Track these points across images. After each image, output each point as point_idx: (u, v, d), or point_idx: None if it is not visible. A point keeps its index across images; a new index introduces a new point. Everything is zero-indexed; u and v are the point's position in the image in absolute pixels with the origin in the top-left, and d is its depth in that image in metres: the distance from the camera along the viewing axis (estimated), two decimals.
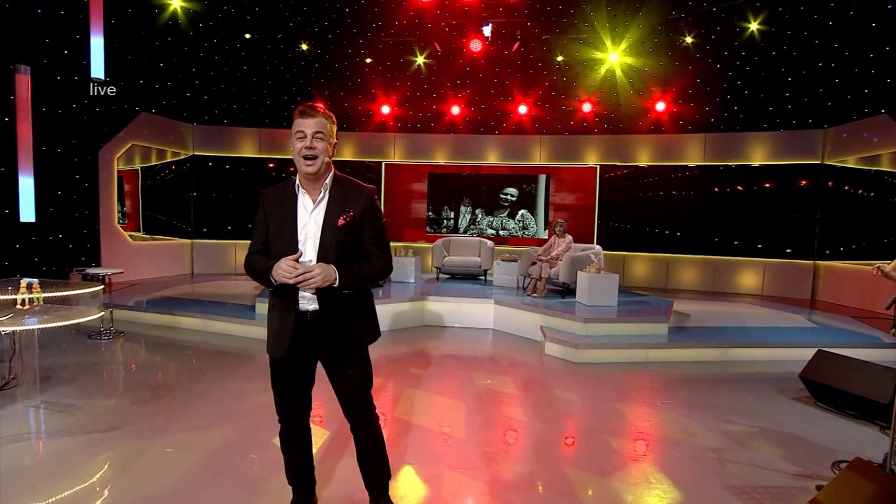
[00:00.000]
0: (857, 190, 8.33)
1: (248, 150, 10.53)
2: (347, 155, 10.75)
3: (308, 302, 2.05)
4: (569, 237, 7.14)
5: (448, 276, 8.72)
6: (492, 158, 10.68)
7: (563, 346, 5.20)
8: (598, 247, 7.31)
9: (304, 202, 2.07)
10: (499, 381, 4.64)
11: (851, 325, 6.52)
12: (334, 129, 2.07)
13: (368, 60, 10.87)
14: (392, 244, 7.56)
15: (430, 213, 10.78)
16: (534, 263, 7.31)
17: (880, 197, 7.88)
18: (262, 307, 6.10)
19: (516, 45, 10.11)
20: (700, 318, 6.65)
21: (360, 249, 2.09)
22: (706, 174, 9.66)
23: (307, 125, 1.99)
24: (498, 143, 10.69)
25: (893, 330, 3.57)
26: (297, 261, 1.97)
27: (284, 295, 2.05)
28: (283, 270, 1.94)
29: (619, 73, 10.22)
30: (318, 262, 2.00)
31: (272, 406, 2.21)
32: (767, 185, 9.23)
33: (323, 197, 2.07)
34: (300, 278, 1.92)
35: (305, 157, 1.99)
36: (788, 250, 9.11)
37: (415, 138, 10.87)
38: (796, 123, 9.03)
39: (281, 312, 2.08)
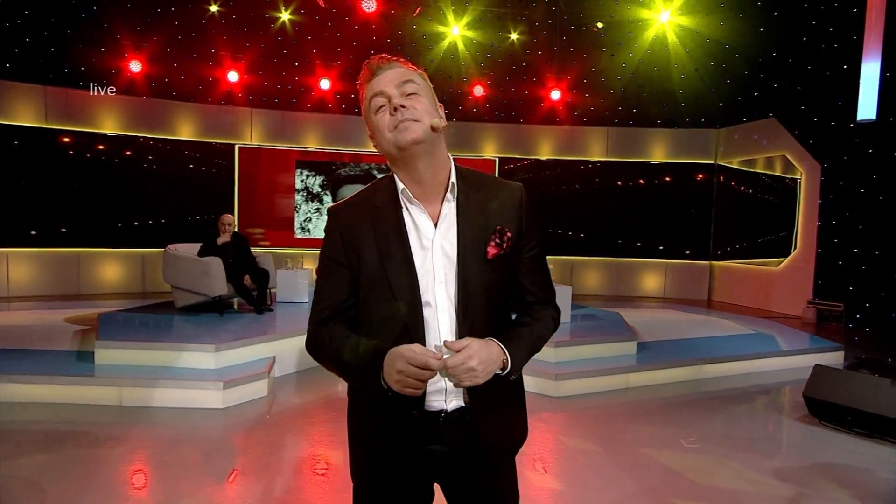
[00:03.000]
0: (745, 190, 9.42)
1: (25, 117, 8.00)
2: (184, 133, 8.89)
3: (444, 396, 1.26)
4: None
5: None
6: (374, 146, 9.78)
7: (540, 379, 4.70)
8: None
9: (416, 220, 1.26)
10: None
11: (772, 328, 7.22)
12: (429, 82, 1.31)
13: (213, 8, 9.10)
14: (254, 251, 6.44)
15: (300, 212, 9.46)
16: None
17: (764, 197, 9.01)
18: (108, 355, 4.49)
19: (418, 11, 9.35)
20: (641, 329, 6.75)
21: (509, 289, 1.33)
22: (608, 170, 10.09)
23: (384, 82, 1.23)
24: None
25: None
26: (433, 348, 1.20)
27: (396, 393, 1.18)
28: (410, 376, 1.09)
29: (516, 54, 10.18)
30: (459, 326, 1.23)
31: None
32: (667, 184, 9.98)
33: (448, 209, 1.27)
34: (453, 375, 1.10)
35: (399, 124, 1.19)
36: (687, 251, 9.99)
37: (278, 116, 9.45)
38: (690, 122, 9.91)
39: (390, 415, 1.25)
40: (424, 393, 1.20)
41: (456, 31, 9.93)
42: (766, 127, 8.80)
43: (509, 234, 1.27)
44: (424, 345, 1.22)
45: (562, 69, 10.27)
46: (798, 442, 3.92)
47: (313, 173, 9.48)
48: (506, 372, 1.20)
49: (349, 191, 9.57)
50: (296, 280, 6.69)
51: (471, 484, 1.35)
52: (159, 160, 8.72)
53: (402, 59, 1.28)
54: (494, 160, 10.11)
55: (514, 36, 10.13)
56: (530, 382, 4.75)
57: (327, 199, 9.53)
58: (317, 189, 9.50)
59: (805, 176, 8.25)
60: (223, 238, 5.91)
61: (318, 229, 9.51)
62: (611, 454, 3.65)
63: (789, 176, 8.57)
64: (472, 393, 1.25)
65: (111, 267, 8.67)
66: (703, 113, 9.82)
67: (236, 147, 9.18)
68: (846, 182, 7.63)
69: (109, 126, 8.44)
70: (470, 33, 10.03)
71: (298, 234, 9.43)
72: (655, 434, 4.02)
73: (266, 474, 3.21)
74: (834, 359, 5.72)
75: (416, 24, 9.95)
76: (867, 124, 6.62)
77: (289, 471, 3.29)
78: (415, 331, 1.22)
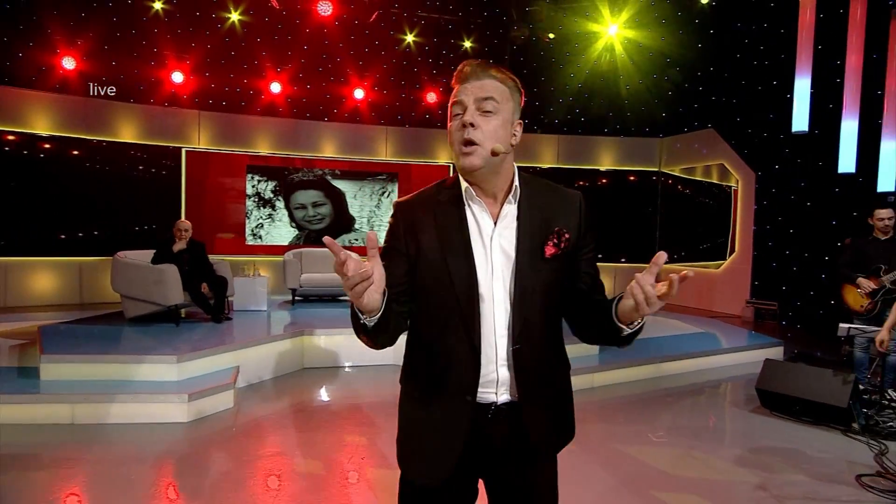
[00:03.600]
0: (687, 196, 9.95)
1: None
2: (126, 135, 8.45)
3: (496, 388, 1.31)
4: None
5: (301, 299, 7.49)
6: (328, 151, 9.66)
7: None
8: None
9: (477, 217, 1.32)
10: None
11: (717, 327, 7.65)
12: (518, 97, 1.34)
13: (157, 5, 8.72)
14: (211, 258, 6.22)
15: (252, 218, 9.18)
16: None
17: (705, 202, 9.55)
18: (56, 370, 4.19)
19: (375, 16, 9.29)
20: None
21: (563, 289, 1.37)
22: (559, 176, 10.38)
23: (468, 92, 1.27)
24: (335, 133, 9.72)
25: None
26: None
27: (451, 377, 1.30)
28: (350, 281, 1.07)
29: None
30: (514, 321, 1.29)
31: None
32: (614, 190, 10.38)
33: (509, 209, 1.33)
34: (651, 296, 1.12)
35: (462, 145, 1.26)
36: (623, 259, 10.40)
37: (228, 120, 9.15)
38: (635, 131, 10.36)
39: (441, 406, 1.31)
40: (477, 384, 1.27)
41: (410, 38, 9.96)
42: (705, 137, 9.33)
43: (567, 236, 1.32)
44: (480, 337, 1.28)
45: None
46: (754, 432, 4.17)
47: (265, 178, 9.23)
48: (632, 330, 1.20)
49: (302, 196, 9.40)
50: (254, 288, 6.48)
51: (515, 480, 1.38)
52: (98, 163, 8.23)
53: (496, 68, 1.30)
54: (448, 166, 10.18)
55: (467, 44, 10.28)
56: None
57: (279, 204, 9.30)
58: (269, 195, 9.25)
59: (741, 183, 8.81)
60: (179, 245, 5.65)
61: (270, 236, 9.26)
62: (587, 452, 3.75)
63: (727, 183, 9.12)
64: (522, 383, 1.30)
65: (43, 277, 8.08)
66: (647, 122, 10.29)
67: (183, 151, 8.81)
68: (778, 189, 8.21)
69: (42, 126, 7.90)
70: (423, 40, 10.09)
71: (250, 241, 9.14)
72: (625, 430, 4.17)
73: (239, 489, 3.09)
74: (775, 353, 6.12)
75: (368, 30, 9.91)
76: (796, 136, 7.16)
77: (260, 485, 3.19)
78: (470, 322, 1.27)
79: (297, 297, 7.44)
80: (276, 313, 6.64)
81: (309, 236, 9.43)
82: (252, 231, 9.17)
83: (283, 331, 5.53)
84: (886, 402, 4.49)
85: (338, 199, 9.60)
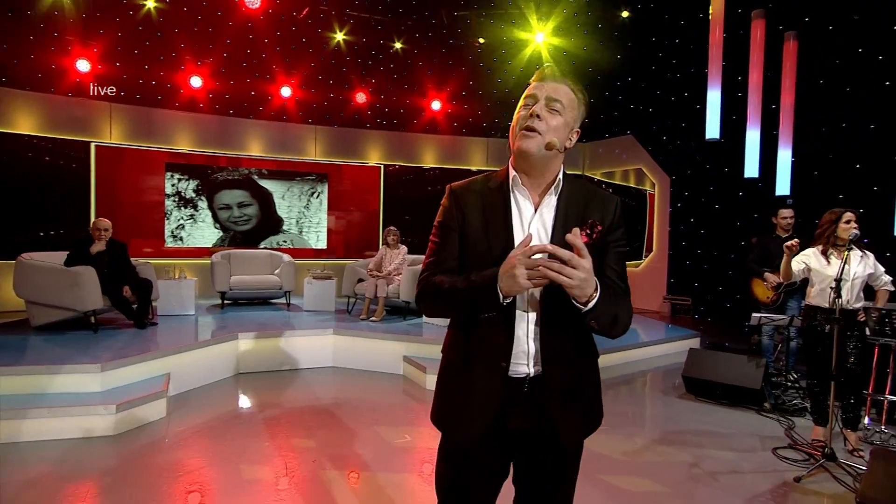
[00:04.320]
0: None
1: None
2: (24, 127, 7.71)
3: (523, 361, 1.43)
4: (403, 248, 6.74)
5: (230, 302, 7.16)
6: (255, 149, 9.32)
7: None
8: None
9: (520, 204, 1.47)
10: (422, 436, 3.96)
11: (639, 321, 8.13)
12: (583, 110, 1.49)
13: None
14: (133, 260, 5.85)
15: (171, 218, 8.65)
16: (361, 280, 6.64)
17: (627, 203, 10.13)
18: None
19: (305, 12, 9.04)
20: None
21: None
22: None
23: (543, 89, 1.44)
24: (262, 131, 9.39)
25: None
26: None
27: (488, 346, 1.43)
28: (519, 263, 1.25)
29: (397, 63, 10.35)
30: (544, 299, 1.42)
31: None
32: None
33: (549, 200, 1.46)
34: (557, 270, 1.23)
35: (525, 129, 1.40)
36: None
37: (143, 114, 8.58)
38: None
39: (481, 372, 1.44)
40: (510, 353, 1.41)
41: (340, 36, 9.83)
42: (625, 143, 9.91)
43: (600, 228, 1.42)
44: (514, 311, 1.40)
45: (442, 80, 10.64)
46: (682, 415, 4.49)
47: (186, 177, 8.73)
48: (587, 308, 1.28)
49: (227, 196, 9.00)
50: (180, 291, 6.12)
51: (542, 462, 1.48)
52: None
53: (572, 79, 1.46)
54: (379, 167, 10.13)
55: (397, 45, 10.29)
56: (433, 381, 4.87)
57: (202, 204, 8.83)
58: (190, 194, 8.76)
59: (657, 187, 9.44)
60: (98, 245, 5.23)
61: (192, 237, 8.77)
62: None
63: (645, 187, 9.73)
64: (547, 358, 1.41)
65: None
66: None
67: (92, 145, 8.16)
68: (690, 193, 8.87)
69: None
70: (354, 38, 9.99)
71: (170, 243, 8.61)
72: None
73: None
74: (693, 344, 6.60)
75: (295, 26, 9.68)
76: (706, 143, 7.78)
77: (197, 499, 3.04)
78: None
79: (226, 301, 7.10)
80: (206, 317, 6.31)
81: (234, 238, 9.02)
82: (172, 232, 8.64)
83: (216, 335, 5.27)
84: (790, 384, 4.99)
85: (265, 199, 9.27)
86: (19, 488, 3.00)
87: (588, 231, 1.39)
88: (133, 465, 3.33)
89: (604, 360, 5.77)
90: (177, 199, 8.68)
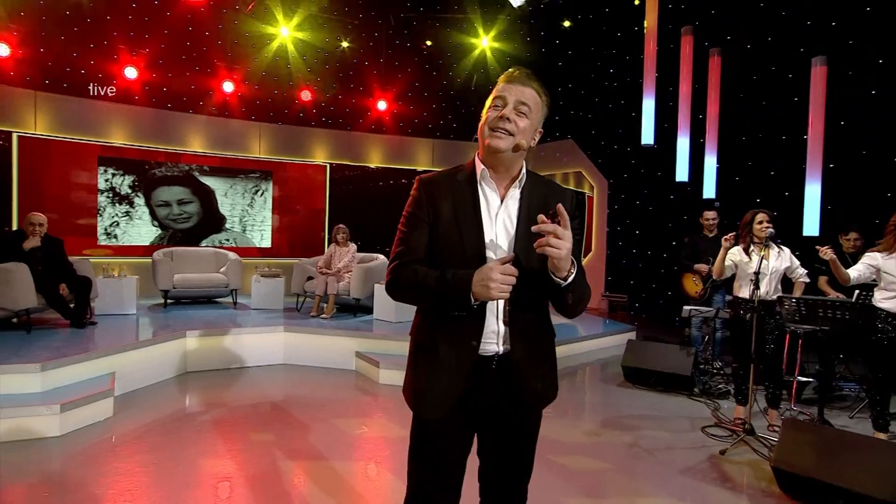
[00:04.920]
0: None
1: None
2: None
3: (497, 339, 1.56)
4: (353, 245, 6.80)
5: (173, 301, 6.97)
6: (195, 145, 9.09)
7: (397, 372, 4.96)
8: (381, 257, 7.22)
9: (488, 196, 1.59)
10: (378, 426, 4.07)
11: (579, 318, 8.52)
12: (546, 111, 1.62)
13: None
14: (71, 258, 5.65)
15: (105, 215, 8.29)
16: (310, 278, 6.66)
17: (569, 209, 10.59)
18: None
19: (251, 7, 8.89)
20: None
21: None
22: None
23: (512, 91, 1.54)
24: (203, 127, 9.17)
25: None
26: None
27: (460, 328, 1.54)
28: (496, 275, 1.40)
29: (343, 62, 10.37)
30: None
31: None
32: None
33: (513, 193, 1.60)
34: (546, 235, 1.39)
35: (493, 129, 1.53)
36: None
37: (73, 104, 8.19)
38: None
39: (450, 352, 1.55)
40: (481, 333, 1.52)
41: (285, 33, 9.74)
42: (566, 147, 10.37)
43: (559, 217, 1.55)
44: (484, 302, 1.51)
45: (388, 81, 10.74)
46: (621, 401, 4.83)
47: (121, 172, 8.40)
48: (567, 282, 1.45)
49: (166, 193, 8.74)
50: (121, 289, 5.92)
51: (504, 435, 1.63)
52: None
53: (538, 82, 1.57)
54: (325, 166, 10.11)
55: (344, 44, 10.30)
56: (395, 377, 5.02)
57: (139, 201, 8.52)
58: (126, 190, 8.43)
59: (596, 189, 9.94)
60: (32, 241, 4.98)
61: (128, 235, 8.44)
62: None
63: (584, 189, 10.22)
64: (515, 337, 1.55)
65: None
66: None
67: (14, 136, 7.70)
68: (626, 195, 9.42)
69: None
70: (300, 35, 9.92)
71: (103, 241, 8.25)
72: None
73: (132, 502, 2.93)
74: (631, 337, 7.03)
75: (238, 20, 9.51)
76: (641, 148, 8.31)
77: (154, 496, 3.05)
78: None
79: (169, 300, 6.91)
80: (149, 316, 6.13)
81: (174, 236, 8.75)
82: (106, 230, 8.28)
83: (162, 333, 5.16)
84: (716, 370, 5.47)
85: (206, 196, 9.04)
86: None
87: (552, 219, 1.55)
88: (79, 466, 3.27)
89: None
90: (111, 195, 8.33)
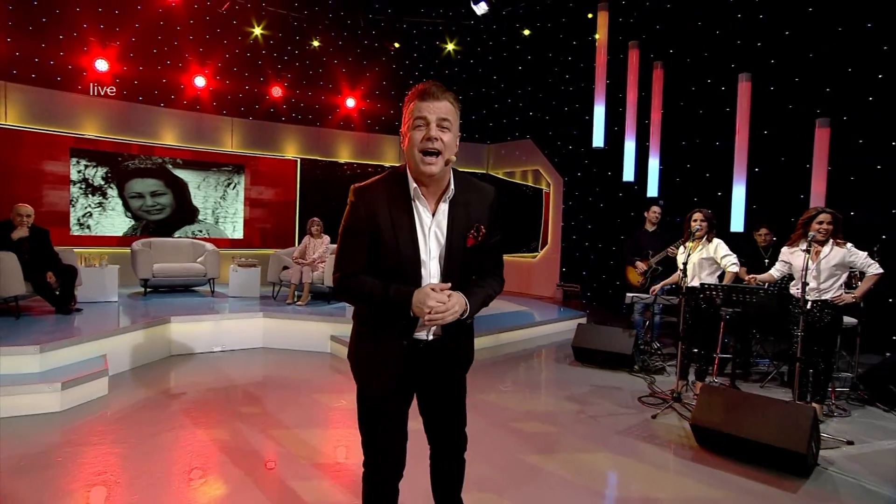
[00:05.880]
0: (510, 196, 11.44)
1: None
2: None
3: (427, 331, 1.83)
4: (326, 237, 7.12)
5: (151, 290, 7.14)
6: (168, 139, 9.17)
7: None
8: None
9: (421, 212, 1.76)
10: (352, 400, 4.46)
11: (535, 305, 9.09)
12: (459, 116, 1.75)
13: None
14: (56, 248, 5.80)
15: (77, 206, 8.32)
16: (286, 268, 6.95)
17: (526, 200, 11.14)
18: None
19: (227, 6, 8.98)
20: None
21: (478, 264, 1.92)
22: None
23: (431, 109, 1.65)
24: (176, 121, 9.25)
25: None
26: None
27: (397, 321, 1.76)
28: (432, 302, 1.64)
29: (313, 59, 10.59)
30: (441, 282, 1.78)
31: None
32: None
33: (442, 207, 1.77)
34: (439, 312, 1.65)
35: (426, 153, 1.65)
36: None
37: (43, 95, 8.16)
38: (467, 137, 11.57)
39: (388, 341, 1.80)
40: (413, 327, 1.78)
41: (257, 31, 9.88)
42: (524, 146, 10.89)
43: (483, 230, 1.80)
44: None
45: (356, 80, 11.01)
46: (571, 378, 5.35)
47: (94, 164, 8.42)
48: (464, 317, 1.73)
49: (139, 185, 8.81)
50: (102, 278, 6.09)
51: (439, 397, 1.97)
52: None
53: (450, 93, 1.70)
54: (296, 160, 10.32)
55: (315, 43, 10.50)
56: None
57: (112, 192, 8.57)
58: (99, 181, 8.46)
59: (552, 186, 10.50)
60: (20, 232, 5.13)
61: (100, 225, 8.48)
62: None
63: (541, 186, 10.77)
64: (445, 327, 1.85)
65: None
66: (478, 130, 11.59)
67: None
68: (580, 192, 10.00)
69: None
70: (269, 33, 10.07)
71: (76, 231, 8.28)
72: (479, 385, 4.99)
73: (147, 461, 3.25)
74: (582, 322, 7.60)
75: (209, 15, 9.60)
76: (594, 150, 8.89)
77: (166, 458, 3.37)
78: (413, 284, 1.76)
79: (148, 288, 7.07)
80: (130, 303, 6.31)
81: (147, 227, 8.84)
82: (79, 220, 8.31)
83: (147, 319, 5.38)
84: (653, 350, 6.07)
85: (180, 189, 9.15)
86: None
87: (475, 234, 1.78)
88: (81, 436, 3.54)
89: (507, 337, 6.62)
90: (84, 187, 8.36)
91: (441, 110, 1.65)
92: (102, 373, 4.27)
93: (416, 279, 1.74)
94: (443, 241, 1.76)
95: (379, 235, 1.71)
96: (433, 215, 1.75)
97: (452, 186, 1.75)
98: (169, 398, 4.33)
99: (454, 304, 1.66)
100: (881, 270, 3.94)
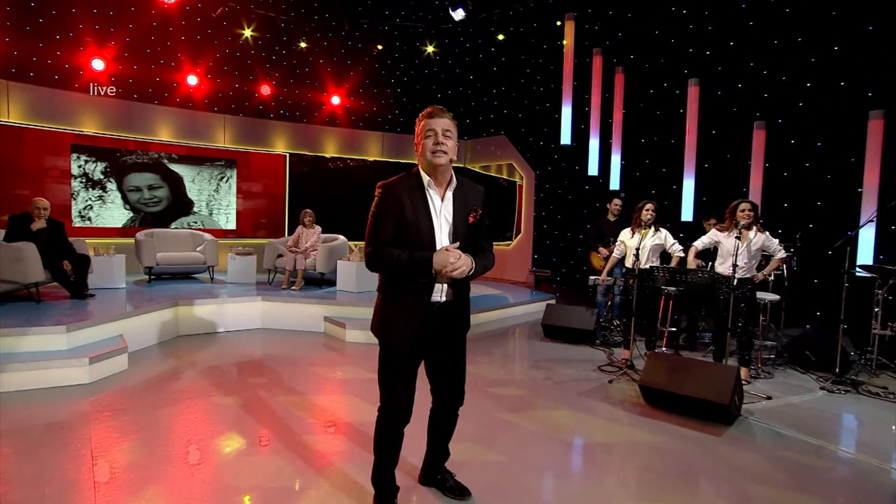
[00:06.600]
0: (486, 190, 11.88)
1: None
2: None
3: (441, 293, 2.29)
4: (318, 227, 7.48)
5: (155, 277, 7.42)
6: (163, 135, 9.36)
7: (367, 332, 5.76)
8: (342, 237, 7.93)
9: (433, 199, 2.26)
10: (348, 372, 4.88)
11: (510, 289, 9.59)
12: (457, 131, 2.29)
13: None
14: (69, 239, 6.05)
15: (79, 199, 8.50)
16: (280, 256, 7.29)
17: (501, 192, 11.60)
18: None
19: (220, 11, 9.16)
20: None
21: (477, 238, 2.42)
22: (384, 168, 11.51)
23: (437, 124, 2.20)
24: (171, 118, 9.45)
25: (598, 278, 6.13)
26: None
27: (419, 287, 2.23)
28: (451, 258, 2.13)
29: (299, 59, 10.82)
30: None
31: None
32: None
33: (447, 194, 2.29)
34: (456, 266, 2.14)
35: (434, 152, 2.19)
36: None
37: (44, 94, 8.30)
38: None
39: (412, 304, 2.25)
40: (431, 289, 2.26)
41: (247, 32, 10.07)
42: (499, 141, 11.32)
43: (479, 212, 2.32)
44: None
45: (341, 78, 11.28)
46: (540, 351, 5.85)
47: (94, 159, 8.60)
48: (471, 273, 2.28)
49: (137, 179, 9.02)
50: (111, 266, 6.36)
51: (447, 353, 2.44)
52: None
53: (448, 113, 2.24)
54: (285, 155, 10.59)
55: (302, 45, 10.73)
56: (360, 336, 5.82)
57: (111, 186, 8.76)
58: (99, 176, 8.65)
59: (525, 180, 10.97)
60: (38, 224, 5.39)
61: (101, 218, 8.69)
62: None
63: (515, 179, 11.24)
64: (455, 291, 2.33)
65: None
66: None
67: None
68: (550, 185, 10.49)
69: None
70: (258, 34, 10.27)
71: (77, 223, 8.47)
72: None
73: (175, 424, 3.64)
74: (552, 303, 8.13)
75: (200, 17, 9.76)
76: (563, 147, 9.39)
77: (194, 416, 3.76)
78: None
79: (152, 276, 7.35)
80: (138, 290, 6.61)
81: (145, 219, 9.06)
82: (80, 212, 8.50)
83: (156, 303, 5.70)
84: (613, 327, 6.60)
85: (175, 182, 9.37)
86: (12, 430, 3.49)
87: (474, 214, 2.30)
88: (111, 402, 3.91)
89: (485, 317, 7.11)
90: (84, 180, 8.54)
91: (445, 124, 2.21)
92: (123, 350, 4.61)
93: (432, 248, 2.20)
94: (450, 219, 2.26)
95: (402, 216, 2.19)
96: (442, 200, 2.26)
97: (454, 180, 2.28)
98: (183, 371, 4.70)
99: (465, 261, 2.17)
100: (785, 254, 4.75)
